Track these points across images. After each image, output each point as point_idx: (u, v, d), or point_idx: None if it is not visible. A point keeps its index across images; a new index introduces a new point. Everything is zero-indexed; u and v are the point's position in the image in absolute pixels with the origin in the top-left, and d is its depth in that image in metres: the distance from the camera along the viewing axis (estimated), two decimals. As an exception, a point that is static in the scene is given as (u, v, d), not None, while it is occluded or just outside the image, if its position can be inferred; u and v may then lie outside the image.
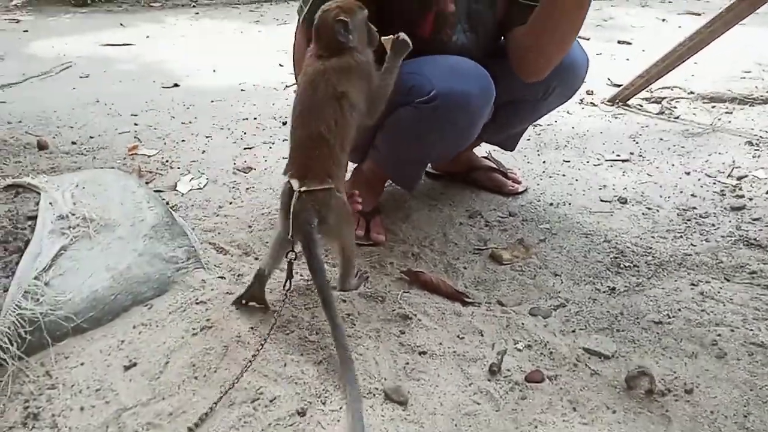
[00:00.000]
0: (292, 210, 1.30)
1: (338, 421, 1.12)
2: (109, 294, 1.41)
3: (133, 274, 1.47)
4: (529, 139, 2.54)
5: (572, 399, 1.17)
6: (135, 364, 1.25)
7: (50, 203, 1.59)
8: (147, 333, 1.35)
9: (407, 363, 1.28)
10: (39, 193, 1.63)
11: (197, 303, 1.45)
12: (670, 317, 1.40)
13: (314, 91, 1.34)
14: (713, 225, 1.82)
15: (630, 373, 1.19)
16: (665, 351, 1.30)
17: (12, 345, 1.23)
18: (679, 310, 1.43)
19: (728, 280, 1.53)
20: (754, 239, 1.72)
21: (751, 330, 1.34)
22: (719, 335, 1.33)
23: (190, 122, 2.82)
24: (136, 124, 2.77)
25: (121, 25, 5.31)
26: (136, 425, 1.10)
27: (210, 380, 1.21)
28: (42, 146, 2.42)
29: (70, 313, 1.33)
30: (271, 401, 1.16)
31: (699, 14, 5.44)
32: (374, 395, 1.18)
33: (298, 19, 1.64)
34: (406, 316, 1.41)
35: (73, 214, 1.55)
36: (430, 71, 1.53)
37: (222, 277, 1.57)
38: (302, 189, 1.31)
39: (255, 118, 2.88)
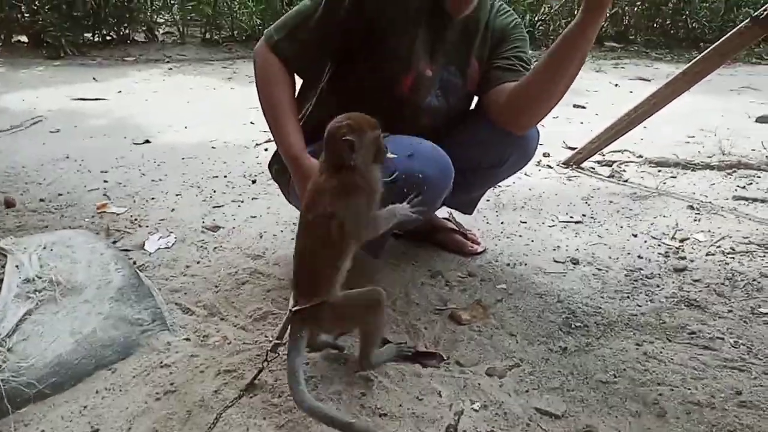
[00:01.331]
0: (284, 323, 1.40)
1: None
2: (72, 359, 1.42)
3: (97, 337, 1.49)
4: (488, 200, 2.66)
5: (524, 460, 1.23)
6: (97, 431, 1.26)
7: (16, 266, 1.61)
8: (110, 398, 1.36)
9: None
10: (5, 256, 1.65)
11: (161, 366, 1.47)
12: (616, 377, 1.49)
13: (313, 207, 1.37)
14: (658, 286, 1.94)
15: (577, 433, 1.25)
16: (611, 410, 1.37)
17: (-29, 412, 1.23)
18: (625, 369, 1.51)
19: (670, 341, 1.64)
20: (695, 300, 1.84)
21: (689, 389, 1.43)
22: (660, 394, 1.41)
23: (160, 179, 2.86)
24: (105, 181, 2.80)
25: (94, 79, 5.39)
26: (95, 494, 1.11)
27: (172, 446, 1.23)
28: (9, 204, 2.43)
29: (33, 379, 1.34)
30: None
31: (649, 80, 5.84)
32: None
33: (266, 40, 1.70)
34: (368, 378, 1.46)
35: (40, 278, 1.58)
36: (392, 151, 1.62)
37: (187, 339, 1.60)
38: (294, 308, 1.38)
39: (225, 176, 2.94)
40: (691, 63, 2.65)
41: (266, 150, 3.32)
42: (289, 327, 1.39)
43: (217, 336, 1.62)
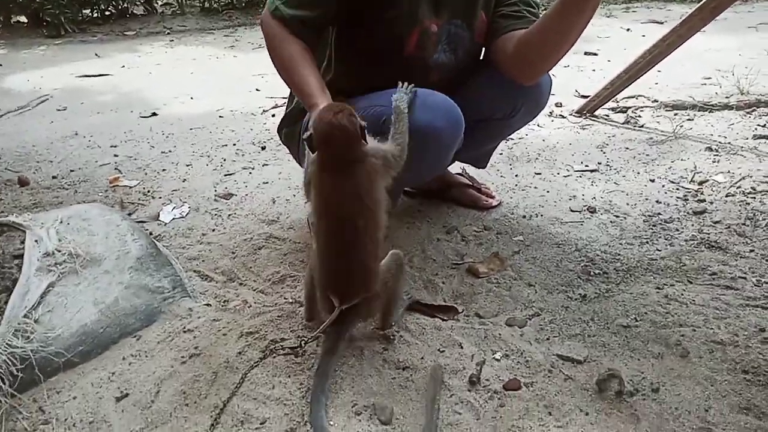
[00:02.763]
0: (328, 322, 1.34)
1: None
2: (97, 327, 1.44)
3: (120, 306, 1.51)
4: (501, 153, 2.63)
5: (548, 404, 1.24)
6: (126, 395, 1.29)
7: (35, 241, 1.62)
8: (137, 364, 1.39)
9: (393, 378, 1.33)
10: (24, 232, 1.66)
11: (185, 331, 1.49)
12: (637, 320, 1.48)
13: (338, 211, 1.32)
14: (677, 229, 1.91)
15: (600, 376, 1.26)
16: (633, 353, 1.37)
17: (4, 383, 1.26)
18: (646, 313, 1.50)
19: (691, 283, 1.62)
20: (715, 242, 1.81)
21: (712, 329, 1.42)
22: (683, 335, 1.41)
23: (169, 151, 2.86)
24: (116, 156, 2.80)
25: (96, 55, 5.35)
26: (130, 454, 1.14)
27: (201, 406, 1.25)
28: (23, 183, 2.45)
29: (61, 348, 1.37)
30: (261, 423, 1.20)
31: (661, 22, 5.65)
32: (361, 412, 1.24)
33: (268, 8, 1.64)
34: (388, 336, 1.46)
35: (59, 251, 1.59)
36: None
37: (208, 304, 1.62)
38: (343, 306, 1.32)
39: (234, 144, 2.93)
40: (706, -1, 2.55)
41: (273, 116, 3.29)
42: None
43: (237, 300, 1.64)
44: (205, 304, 1.62)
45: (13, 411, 1.24)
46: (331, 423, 1.20)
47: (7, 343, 1.32)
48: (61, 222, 1.73)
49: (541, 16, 1.69)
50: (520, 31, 1.69)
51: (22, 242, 1.64)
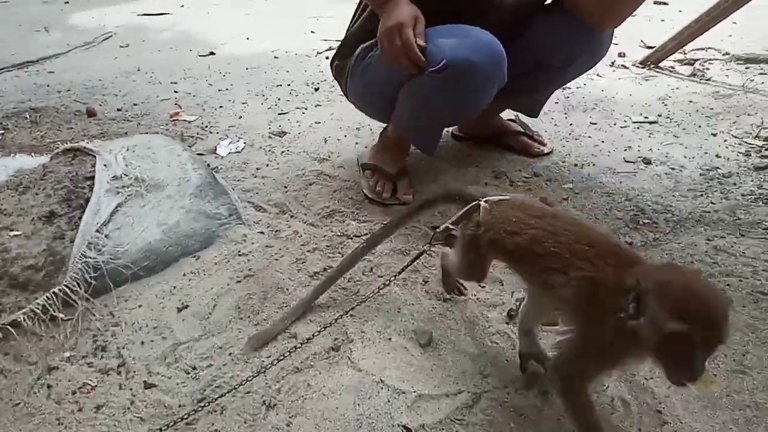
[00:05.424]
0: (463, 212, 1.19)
1: (364, 358, 1.24)
2: (161, 246, 1.55)
3: (181, 228, 1.61)
4: (557, 102, 2.57)
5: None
6: (187, 306, 1.39)
7: (105, 165, 1.73)
8: (196, 280, 1.49)
9: (433, 308, 1.39)
10: (94, 156, 1.78)
11: (240, 255, 1.58)
12: (683, 269, 1.47)
13: None
14: (735, 184, 1.85)
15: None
16: (676, 300, 1.37)
17: (80, 288, 1.39)
18: (692, 262, 1.49)
19: (743, 236, 1.58)
20: (775, 198, 1.75)
21: (759, 280, 1.40)
22: (728, 285, 1.39)
23: (226, 89, 2.93)
24: (175, 92, 2.90)
25: (157, -6, 5.43)
26: (190, 357, 1.25)
27: (253, 320, 1.35)
28: (91, 113, 2.58)
29: (128, 262, 1.48)
30: (307, 339, 1.29)
31: (742, -29, 5.24)
32: (403, 335, 1.30)
33: None
34: (432, 266, 1.51)
35: (126, 175, 1.69)
36: (442, 41, 1.58)
37: (261, 233, 1.70)
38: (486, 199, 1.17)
39: (288, 85, 2.97)
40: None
41: (327, 59, 3.29)
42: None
43: (289, 230, 1.72)
44: (258, 232, 1.70)
45: (87, 313, 1.37)
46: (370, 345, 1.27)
47: (82, 254, 1.44)
48: (128, 149, 1.83)
49: None
50: None
51: (93, 166, 1.75)
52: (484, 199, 1.14)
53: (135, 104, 2.74)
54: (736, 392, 1.13)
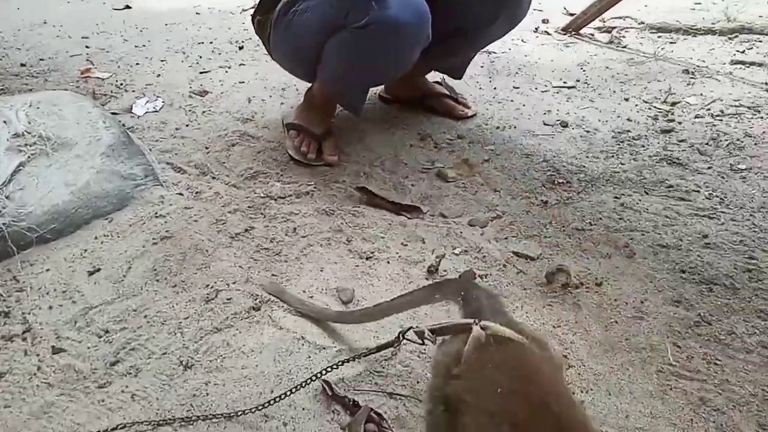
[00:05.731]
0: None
1: (285, 317, 1.25)
2: (69, 207, 1.47)
3: (91, 189, 1.53)
4: (482, 66, 2.61)
5: (499, 292, 1.32)
6: (99, 270, 1.34)
7: (4, 122, 1.61)
8: (108, 243, 1.43)
9: (356, 266, 1.40)
10: (-8, 112, 1.64)
11: (156, 216, 1.53)
12: (591, 225, 1.56)
13: None
14: (643, 146, 1.96)
15: (549, 269, 1.34)
16: (584, 253, 1.46)
17: (-23, 252, 1.30)
18: (600, 218, 1.58)
19: (647, 194, 1.69)
20: (677, 158, 1.87)
21: (659, 234, 1.51)
22: (631, 239, 1.49)
23: (143, 45, 2.77)
24: (87, 47, 2.71)
25: (65, -59, 5.00)
26: (102, 320, 1.20)
27: (171, 282, 1.31)
28: (-11, 68, 2.37)
29: (33, 224, 1.40)
30: (228, 299, 1.27)
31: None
32: (325, 293, 1.31)
33: None
34: (356, 226, 1.52)
35: (29, 132, 1.58)
36: None
37: (180, 194, 1.64)
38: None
39: (211, 42, 2.84)
40: None
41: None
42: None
43: (210, 192, 1.67)
44: (177, 194, 1.64)
45: (-13, 279, 1.29)
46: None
47: (-22, 216, 1.35)
48: (31, 106, 1.71)
49: None
50: None
51: (-9, 123, 1.62)
52: (482, 324, 0.84)
53: (41, 59, 2.54)
54: (633, 335, 1.23)
